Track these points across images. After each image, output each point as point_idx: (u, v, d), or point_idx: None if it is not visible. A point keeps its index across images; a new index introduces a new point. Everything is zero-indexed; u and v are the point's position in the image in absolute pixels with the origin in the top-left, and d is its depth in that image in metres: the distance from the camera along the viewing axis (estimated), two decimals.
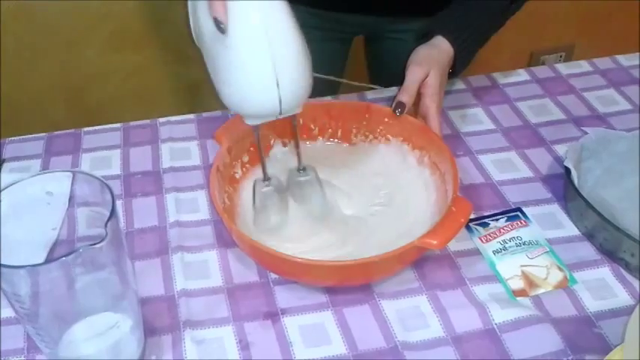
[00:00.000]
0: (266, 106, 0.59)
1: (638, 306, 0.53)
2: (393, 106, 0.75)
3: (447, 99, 0.89)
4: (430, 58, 0.77)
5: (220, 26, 0.56)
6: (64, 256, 0.46)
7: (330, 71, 1.06)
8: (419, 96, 0.77)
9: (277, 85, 0.57)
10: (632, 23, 1.78)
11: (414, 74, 0.76)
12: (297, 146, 0.68)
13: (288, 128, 0.77)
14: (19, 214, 0.53)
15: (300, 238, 0.67)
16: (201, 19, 0.61)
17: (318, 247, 0.65)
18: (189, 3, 0.64)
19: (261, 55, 0.56)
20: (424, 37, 0.81)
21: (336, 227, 0.69)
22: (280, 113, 0.60)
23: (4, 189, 0.52)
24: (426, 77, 0.76)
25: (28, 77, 1.48)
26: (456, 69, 0.81)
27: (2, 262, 0.46)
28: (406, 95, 0.75)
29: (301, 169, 0.69)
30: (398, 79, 0.78)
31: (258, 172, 0.75)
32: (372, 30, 1.05)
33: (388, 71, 1.07)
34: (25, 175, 0.53)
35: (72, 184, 0.54)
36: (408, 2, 0.93)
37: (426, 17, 0.85)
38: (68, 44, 1.45)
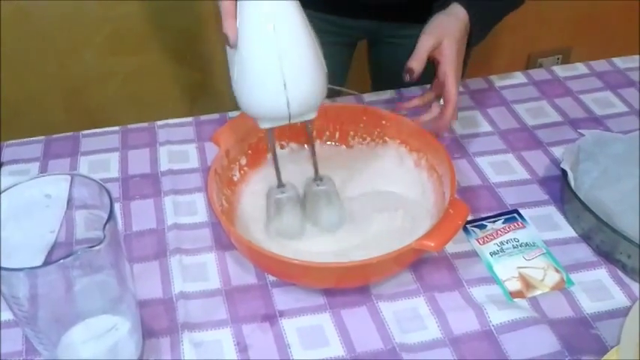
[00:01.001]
0: (275, 109, 0.59)
1: (633, 307, 0.54)
2: (404, 71, 0.75)
3: None
4: (442, 27, 0.77)
5: (229, 42, 0.57)
6: (63, 258, 0.46)
7: (334, 75, 1.07)
8: (437, 65, 0.77)
9: (285, 87, 0.57)
10: (629, 26, 1.79)
11: (423, 42, 0.76)
12: (313, 154, 0.68)
13: (286, 130, 0.77)
14: (17, 217, 0.53)
15: (298, 238, 0.68)
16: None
17: (316, 249, 0.65)
18: None
19: (269, 57, 0.56)
20: (441, 5, 0.80)
21: (333, 229, 0.69)
22: (290, 117, 0.60)
23: (2, 192, 0.52)
24: (440, 45, 0.76)
25: (27, 80, 1.48)
26: (472, 39, 0.80)
27: (1, 265, 0.46)
28: (415, 62, 0.75)
29: (318, 179, 0.68)
30: (400, 83, 0.78)
31: (256, 175, 0.75)
32: (375, 35, 1.05)
33: (390, 75, 1.08)
34: (24, 178, 0.53)
35: (70, 186, 0.54)
36: (412, 8, 0.94)
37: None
38: (67, 47, 1.46)
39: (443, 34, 0.76)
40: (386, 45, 1.06)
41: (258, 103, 0.59)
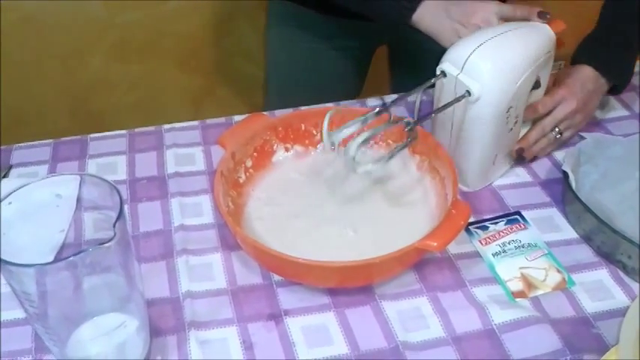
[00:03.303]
0: None
1: (632, 306, 0.55)
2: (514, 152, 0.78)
3: None
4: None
5: None
6: (72, 255, 0.47)
7: (351, 81, 1.08)
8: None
9: None
10: None
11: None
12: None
13: (290, 133, 0.78)
14: (28, 216, 0.54)
15: (305, 235, 0.69)
16: None
17: (320, 249, 0.66)
18: None
19: None
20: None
21: (338, 229, 0.70)
22: None
23: (14, 191, 0.53)
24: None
25: (33, 86, 1.50)
26: (615, 86, 0.83)
27: (12, 261, 0.47)
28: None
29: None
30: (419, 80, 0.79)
31: (261, 177, 0.76)
32: (395, 38, 1.06)
33: (413, 78, 1.09)
34: (34, 179, 0.54)
35: (80, 186, 0.55)
36: None
37: None
38: (72, 53, 1.47)
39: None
40: (407, 50, 1.06)
41: None
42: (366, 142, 0.66)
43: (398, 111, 0.90)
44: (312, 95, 0.91)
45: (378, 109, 0.68)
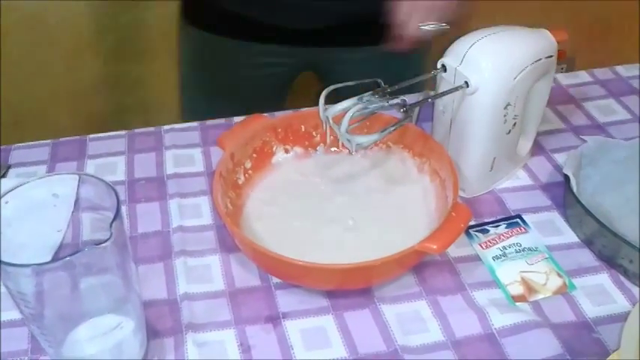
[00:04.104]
0: None
1: (633, 310, 0.54)
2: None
3: None
4: None
5: None
6: (69, 255, 0.47)
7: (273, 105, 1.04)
8: None
9: None
10: (632, 36, 1.79)
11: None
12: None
13: (290, 134, 0.78)
14: (25, 216, 0.54)
15: (304, 237, 0.69)
16: None
17: (319, 251, 0.66)
18: None
19: None
20: None
21: (337, 232, 0.70)
22: None
23: (11, 190, 0.53)
24: None
25: (33, 86, 1.50)
26: None
27: (8, 261, 0.46)
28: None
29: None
30: None
31: (260, 178, 0.76)
32: (321, 63, 1.05)
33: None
34: (32, 178, 0.54)
35: (78, 186, 0.55)
36: (354, 32, 0.95)
37: (373, 46, 0.89)
38: (72, 54, 1.47)
39: None
40: (333, 73, 1.04)
41: None
42: (359, 115, 0.67)
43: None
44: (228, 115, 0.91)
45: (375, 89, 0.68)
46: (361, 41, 0.98)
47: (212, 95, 1.09)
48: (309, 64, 1.07)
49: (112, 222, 0.49)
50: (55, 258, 0.63)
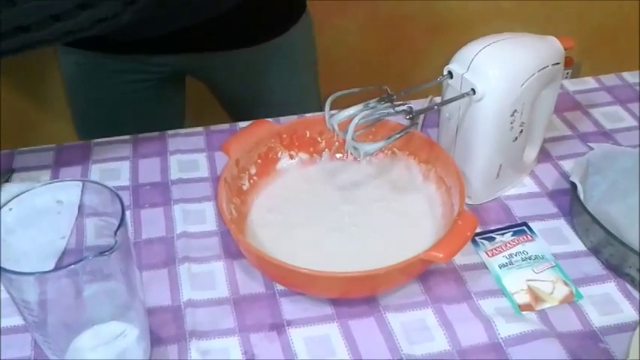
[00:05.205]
0: None
1: None
2: None
3: None
4: None
5: None
6: (73, 263, 0.47)
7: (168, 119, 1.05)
8: None
9: None
10: (638, 42, 1.79)
11: None
12: None
13: (295, 140, 0.78)
14: (29, 223, 0.54)
15: (309, 244, 0.69)
16: None
17: (324, 259, 0.66)
18: None
19: None
20: None
21: (342, 239, 0.70)
22: None
23: (15, 197, 0.52)
24: None
25: (36, 89, 1.50)
26: None
27: (12, 269, 0.46)
28: None
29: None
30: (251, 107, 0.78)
31: (265, 185, 0.76)
32: (199, 69, 1.04)
33: (241, 102, 1.08)
34: (36, 184, 0.54)
35: (82, 193, 0.55)
36: (227, 35, 0.95)
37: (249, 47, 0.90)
38: None
39: None
40: (215, 78, 1.04)
41: None
42: (364, 122, 0.66)
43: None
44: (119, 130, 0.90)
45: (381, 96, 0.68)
46: (224, 44, 0.97)
47: (89, 114, 1.08)
48: (185, 71, 1.07)
49: (117, 230, 0.48)
50: (59, 264, 0.63)
